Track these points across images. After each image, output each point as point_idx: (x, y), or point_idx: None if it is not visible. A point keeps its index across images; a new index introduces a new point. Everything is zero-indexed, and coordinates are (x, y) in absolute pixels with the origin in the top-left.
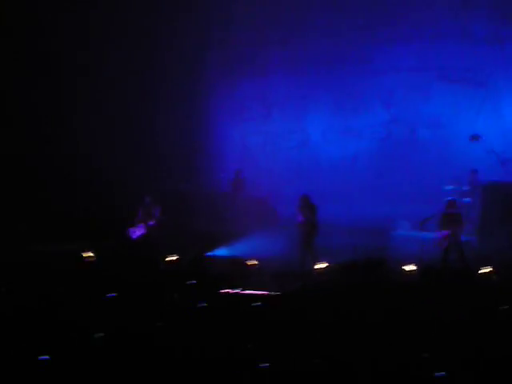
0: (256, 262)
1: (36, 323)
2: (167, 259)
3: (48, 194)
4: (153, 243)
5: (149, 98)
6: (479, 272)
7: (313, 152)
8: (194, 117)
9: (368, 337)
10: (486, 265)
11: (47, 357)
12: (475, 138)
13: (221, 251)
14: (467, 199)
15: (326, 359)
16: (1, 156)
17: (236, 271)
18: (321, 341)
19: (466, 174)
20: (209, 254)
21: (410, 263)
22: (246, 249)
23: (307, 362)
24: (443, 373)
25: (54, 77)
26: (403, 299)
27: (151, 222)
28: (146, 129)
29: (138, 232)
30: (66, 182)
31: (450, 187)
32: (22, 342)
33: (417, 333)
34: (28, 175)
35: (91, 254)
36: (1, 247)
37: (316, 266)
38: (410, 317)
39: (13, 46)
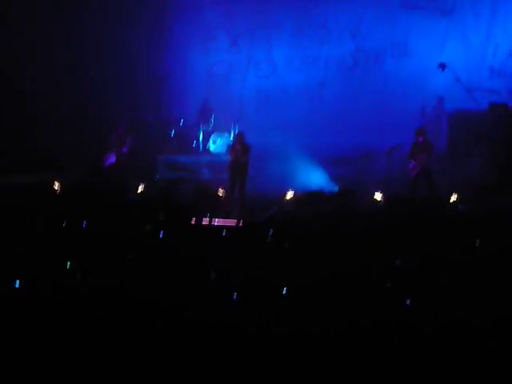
0: (223, 191)
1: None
2: (138, 188)
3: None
4: (123, 171)
5: (113, 24)
6: (447, 201)
7: (279, 81)
8: (159, 47)
9: (329, 262)
10: (453, 193)
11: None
12: (442, 66)
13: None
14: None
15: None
16: None
17: (204, 200)
18: (285, 267)
19: (433, 102)
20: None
21: (378, 192)
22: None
23: (274, 292)
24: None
25: None
26: (369, 228)
27: (124, 149)
28: (112, 56)
29: (109, 159)
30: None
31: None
32: None
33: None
34: None
35: (56, 185)
36: None
37: (286, 196)
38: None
39: None
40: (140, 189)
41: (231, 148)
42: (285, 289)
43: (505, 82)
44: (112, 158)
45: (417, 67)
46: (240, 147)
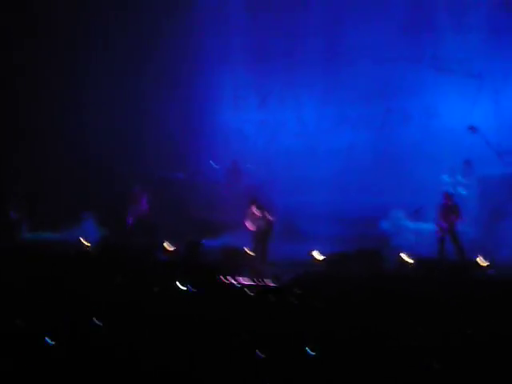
0: (250, 252)
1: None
2: (165, 247)
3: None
4: (146, 231)
5: (142, 83)
6: (475, 264)
7: (308, 141)
8: (188, 104)
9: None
10: (482, 257)
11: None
12: (472, 129)
13: (216, 240)
14: (463, 190)
15: (322, 348)
16: None
17: (232, 260)
18: (316, 329)
19: (461, 165)
20: (204, 242)
21: (405, 253)
22: (242, 238)
23: (303, 352)
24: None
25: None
26: (400, 289)
27: (138, 211)
28: (139, 115)
29: (128, 221)
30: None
31: (446, 177)
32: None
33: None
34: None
35: (86, 243)
36: None
37: (313, 256)
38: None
39: None
40: (167, 247)
41: (249, 216)
42: (309, 349)
43: None
44: (129, 220)
45: (446, 129)
46: (258, 213)
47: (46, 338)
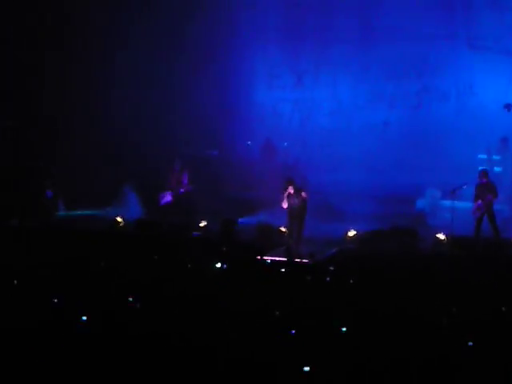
0: (285, 230)
1: None
2: (199, 225)
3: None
4: (183, 209)
5: (177, 61)
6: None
7: (343, 119)
8: (223, 83)
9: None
10: None
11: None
12: (509, 107)
13: (251, 218)
14: (498, 168)
15: (351, 328)
16: None
17: (267, 238)
18: (348, 309)
19: (497, 143)
20: (239, 220)
21: (441, 232)
22: (277, 216)
23: (334, 331)
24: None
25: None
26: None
27: (182, 190)
28: (175, 93)
29: (165, 198)
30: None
31: (483, 156)
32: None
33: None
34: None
35: (120, 220)
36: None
37: (348, 234)
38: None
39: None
40: (202, 225)
41: (286, 195)
42: (344, 328)
43: None
44: (168, 197)
45: (482, 107)
46: (294, 193)
47: (83, 317)
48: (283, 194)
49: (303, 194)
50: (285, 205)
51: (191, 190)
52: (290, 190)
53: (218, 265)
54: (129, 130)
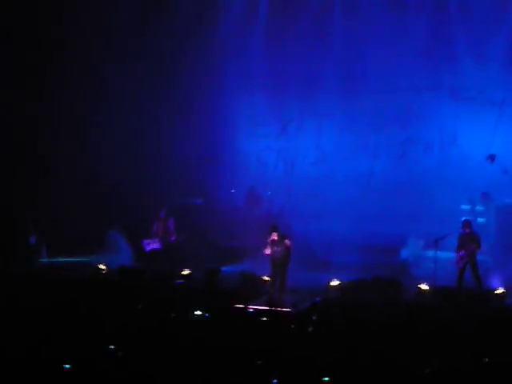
0: (268, 279)
1: None
2: (182, 273)
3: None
4: (171, 257)
5: (162, 109)
6: (494, 293)
7: (328, 168)
8: (207, 130)
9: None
10: (500, 286)
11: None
12: (492, 158)
13: (234, 267)
14: (482, 219)
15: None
16: None
17: (250, 287)
18: (330, 358)
19: (480, 194)
20: (222, 268)
21: (423, 283)
22: (259, 265)
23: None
24: None
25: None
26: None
27: (172, 238)
28: (158, 141)
29: (151, 245)
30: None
31: (467, 206)
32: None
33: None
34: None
35: (103, 267)
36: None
37: (330, 283)
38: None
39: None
40: (186, 273)
41: (269, 241)
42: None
43: None
44: (156, 244)
45: (466, 157)
46: (277, 240)
47: (64, 365)
48: (267, 239)
49: (287, 241)
50: (268, 251)
51: (182, 238)
52: (274, 236)
53: (199, 312)
54: (113, 177)
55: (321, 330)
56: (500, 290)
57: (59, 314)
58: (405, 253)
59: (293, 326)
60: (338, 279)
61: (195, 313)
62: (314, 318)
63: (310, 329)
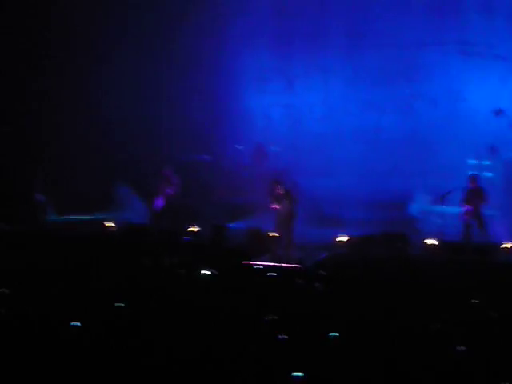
0: (276, 234)
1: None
2: (189, 229)
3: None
4: (173, 213)
5: (168, 66)
6: (500, 247)
7: (334, 124)
8: (214, 87)
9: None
10: (507, 240)
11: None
12: (498, 112)
13: (240, 223)
14: (489, 174)
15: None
16: None
17: (257, 243)
18: (338, 314)
19: (487, 149)
20: (229, 225)
21: (430, 237)
22: (267, 221)
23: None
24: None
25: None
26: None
27: (169, 190)
28: (165, 98)
29: (157, 203)
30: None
31: (473, 161)
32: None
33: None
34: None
35: (112, 224)
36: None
37: (337, 239)
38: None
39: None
40: (192, 230)
41: (272, 196)
42: (331, 334)
43: None
44: (160, 201)
45: (472, 112)
46: (281, 194)
47: (72, 322)
48: (272, 194)
49: (292, 196)
50: (275, 205)
51: (178, 193)
52: (277, 189)
53: (208, 272)
54: (118, 134)
55: (328, 285)
56: (507, 244)
57: (68, 272)
58: (413, 208)
59: (300, 282)
60: (345, 235)
61: (202, 270)
62: (321, 273)
63: (318, 284)
